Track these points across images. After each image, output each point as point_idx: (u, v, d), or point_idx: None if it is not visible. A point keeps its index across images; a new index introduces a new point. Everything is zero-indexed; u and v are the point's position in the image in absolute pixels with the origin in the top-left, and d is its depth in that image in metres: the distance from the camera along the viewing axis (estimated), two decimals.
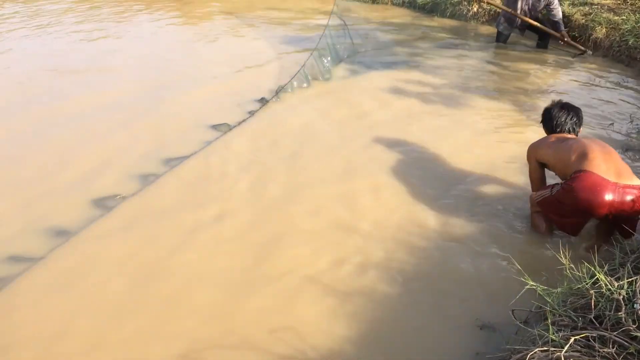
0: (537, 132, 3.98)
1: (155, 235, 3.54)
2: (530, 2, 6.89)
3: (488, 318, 2.74)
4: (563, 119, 3.46)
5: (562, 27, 6.88)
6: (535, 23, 6.93)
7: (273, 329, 2.74)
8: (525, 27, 7.28)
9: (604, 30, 7.06)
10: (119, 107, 5.59)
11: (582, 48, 6.86)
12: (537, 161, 3.46)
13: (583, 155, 3.06)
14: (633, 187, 2.91)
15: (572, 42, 6.90)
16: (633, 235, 3.01)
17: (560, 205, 3.13)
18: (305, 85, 6.04)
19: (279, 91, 5.76)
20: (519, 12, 6.96)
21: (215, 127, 5.00)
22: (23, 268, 3.21)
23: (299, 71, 6.03)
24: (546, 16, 7.04)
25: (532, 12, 6.98)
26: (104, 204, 3.85)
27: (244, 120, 5.19)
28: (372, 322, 2.81)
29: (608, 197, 2.87)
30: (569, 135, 3.44)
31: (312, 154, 4.57)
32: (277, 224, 3.65)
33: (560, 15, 6.84)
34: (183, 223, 3.65)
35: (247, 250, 3.38)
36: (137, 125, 5.18)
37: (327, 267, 3.21)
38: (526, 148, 3.57)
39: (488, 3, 7.52)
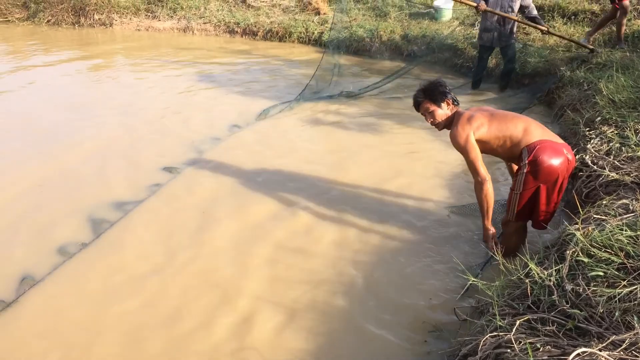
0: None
1: None
2: (506, 4, 6.53)
3: (434, 319, 2.90)
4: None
5: (542, 22, 6.90)
6: (519, 19, 6.66)
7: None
8: (506, 41, 6.86)
9: None
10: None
11: (591, 47, 6.94)
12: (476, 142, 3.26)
13: (526, 128, 3.16)
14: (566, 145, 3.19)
15: (580, 42, 6.95)
16: (545, 227, 3.29)
17: (538, 190, 3.12)
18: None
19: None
20: (494, 20, 6.71)
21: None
22: None
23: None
24: (523, 18, 6.84)
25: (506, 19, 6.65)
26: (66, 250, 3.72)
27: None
28: (323, 335, 2.88)
29: (568, 155, 3.12)
30: (477, 109, 3.39)
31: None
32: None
33: (535, 12, 6.77)
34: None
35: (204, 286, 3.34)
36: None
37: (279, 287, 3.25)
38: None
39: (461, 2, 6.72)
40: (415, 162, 5.03)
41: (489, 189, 3.21)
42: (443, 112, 3.33)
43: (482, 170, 3.20)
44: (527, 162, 3.07)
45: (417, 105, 3.43)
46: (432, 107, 3.33)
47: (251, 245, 3.72)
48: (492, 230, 3.29)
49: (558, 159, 3.04)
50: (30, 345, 2.88)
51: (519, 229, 3.38)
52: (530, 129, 3.11)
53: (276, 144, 5.58)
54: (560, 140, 3.15)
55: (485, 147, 3.25)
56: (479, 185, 3.22)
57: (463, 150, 3.21)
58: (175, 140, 5.67)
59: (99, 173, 4.94)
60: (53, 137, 5.83)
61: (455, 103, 3.37)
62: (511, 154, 3.22)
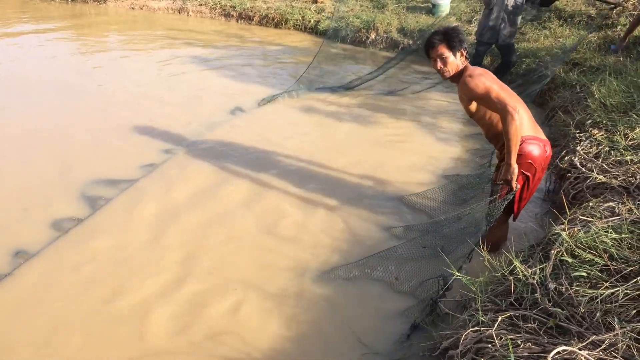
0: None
1: None
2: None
3: (416, 311, 2.91)
4: None
5: None
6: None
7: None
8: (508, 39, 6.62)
9: None
10: None
11: (614, 1, 6.84)
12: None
13: (524, 113, 3.06)
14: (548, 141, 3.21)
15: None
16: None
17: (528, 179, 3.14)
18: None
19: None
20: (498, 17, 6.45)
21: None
22: None
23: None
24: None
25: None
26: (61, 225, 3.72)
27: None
28: (308, 322, 2.89)
29: (547, 149, 3.14)
30: (487, 71, 3.16)
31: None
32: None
33: None
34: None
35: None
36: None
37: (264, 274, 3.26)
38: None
39: None
40: (402, 153, 5.04)
41: (520, 119, 2.89)
42: (456, 61, 3.13)
43: (511, 101, 2.91)
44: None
45: (431, 48, 3.16)
46: (447, 54, 3.11)
47: (238, 230, 3.73)
48: (515, 166, 2.99)
49: (540, 154, 3.07)
50: (22, 315, 2.91)
51: (502, 224, 3.39)
52: (524, 121, 3.06)
53: (271, 131, 5.55)
54: (544, 137, 3.18)
55: (480, 110, 3.16)
56: (510, 116, 2.84)
57: (482, 90, 2.95)
58: (170, 123, 5.62)
59: (94, 150, 4.92)
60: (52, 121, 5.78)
61: (468, 57, 3.23)
62: (496, 130, 3.15)
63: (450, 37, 3.09)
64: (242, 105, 6.18)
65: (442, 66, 3.14)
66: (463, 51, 3.14)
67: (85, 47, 8.86)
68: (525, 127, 3.05)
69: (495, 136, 3.22)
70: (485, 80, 2.98)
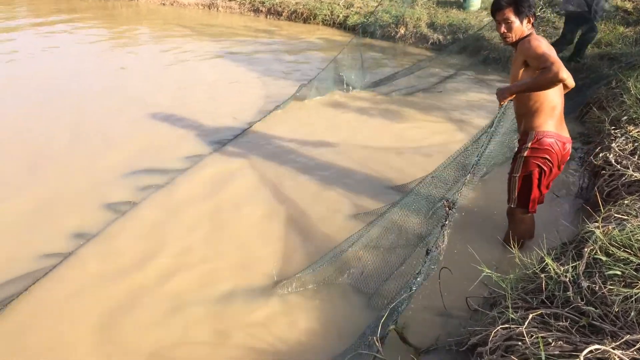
0: None
1: None
2: None
3: (445, 305, 2.89)
4: None
5: None
6: None
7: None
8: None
9: None
10: None
11: None
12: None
13: (556, 109, 3.02)
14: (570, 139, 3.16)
15: None
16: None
17: (532, 175, 3.12)
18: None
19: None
20: None
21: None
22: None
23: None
24: None
25: None
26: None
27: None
28: (337, 308, 2.90)
29: (567, 146, 3.11)
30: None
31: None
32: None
33: None
34: None
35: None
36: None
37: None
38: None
39: None
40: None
41: (556, 75, 2.72)
42: (521, 28, 3.01)
43: (563, 73, 2.70)
44: (529, 146, 3.06)
45: (498, 10, 3.04)
46: (513, 18, 2.99)
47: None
48: (512, 92, 2.96)
49: (557, 150, 3.06)
50: (90, 287, 3.13)
51: (526, 219, 3.35)
52: (555, 114, 3.03)
53: (310, 126, 5.60)
54: (567, 135, 3.13)
55: (524, 78, 3.00)
56: (553, 73, 2.69)
57: (541, 51, 2.81)
58: (209, 116, 5.76)
59: (142, 139, 5.13)
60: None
61: (535, 24, 3.12)
62: (526, 108, 3.08)
63: (520, 2, 2.97)
64: (277, 101, 6.15)
65: (506, 31, 3.04)
66: (531, 17, 3.03)
67: (116, 41, 9.03)
68: (550, 124, 3.04)
69: (523, 115, 3.14)
70: (548, 46, 2.89)
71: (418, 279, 2.48)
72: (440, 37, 9.10)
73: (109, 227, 3.68)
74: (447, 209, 2.73)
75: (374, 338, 2.34)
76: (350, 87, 6.78)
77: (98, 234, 3.59)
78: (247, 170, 4.58)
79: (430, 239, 3.07)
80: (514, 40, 3.05)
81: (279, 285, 3.11)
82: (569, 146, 3.13)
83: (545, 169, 3.09)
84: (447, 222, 2.68)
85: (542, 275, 2.50)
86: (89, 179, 4.32)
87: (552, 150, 3.04)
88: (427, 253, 2.58)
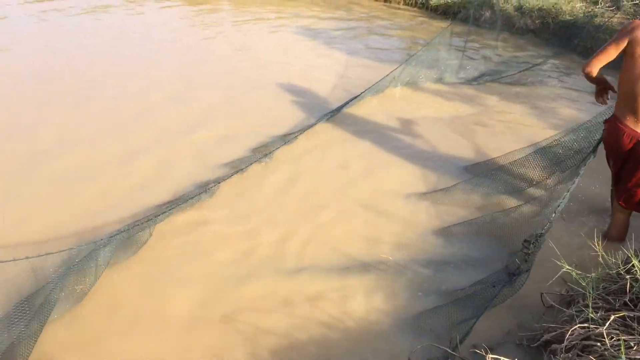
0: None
1: None
2: None
3: (517, 299, 2.80)
4: None
5: None
6: None
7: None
8: None
9: None
10: None
11: None
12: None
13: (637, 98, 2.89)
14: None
15: None
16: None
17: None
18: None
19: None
20: None
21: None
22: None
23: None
24: None
25: None
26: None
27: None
28: (403, 296, 2.90)
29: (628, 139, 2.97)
30: None
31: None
32: None
33: None
34: None
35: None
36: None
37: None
38: None
39: None
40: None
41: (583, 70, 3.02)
42: None
43: (593, 60, 2.95)
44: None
45: None
46: None
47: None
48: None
49: (608, 139, 3.05)
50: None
51: (625, 219, 3.23)
52: (636, 106, 2.88)
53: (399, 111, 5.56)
54: (635, 128, 2.93)
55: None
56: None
57: None
58: (302, 91, 5.92)
59: (254, 108, 5.44)
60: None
61: None
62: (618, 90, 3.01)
63: None
64: (365, 86, 5.83)
65: None
66: None
67: (200, 18, 9.19)
68: (622, 109, 2.95)
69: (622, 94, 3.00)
70: (623, 32, 2.88)
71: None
72: (529, 21, 8.68)
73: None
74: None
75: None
76: (446, 76, 6.57)
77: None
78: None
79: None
80: None
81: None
82: (633, 140, 2.98)
83: (613, 158, 3.12)
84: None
85: (627, 277, 2.39)
86: (230, 131, 4.82)
87: (605, 140, 3.11)
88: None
